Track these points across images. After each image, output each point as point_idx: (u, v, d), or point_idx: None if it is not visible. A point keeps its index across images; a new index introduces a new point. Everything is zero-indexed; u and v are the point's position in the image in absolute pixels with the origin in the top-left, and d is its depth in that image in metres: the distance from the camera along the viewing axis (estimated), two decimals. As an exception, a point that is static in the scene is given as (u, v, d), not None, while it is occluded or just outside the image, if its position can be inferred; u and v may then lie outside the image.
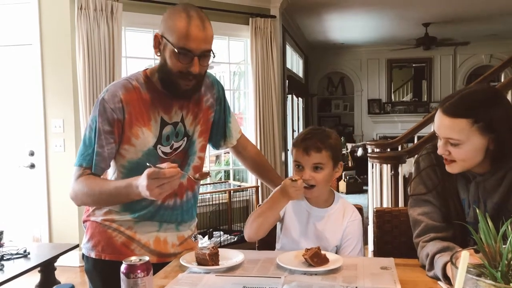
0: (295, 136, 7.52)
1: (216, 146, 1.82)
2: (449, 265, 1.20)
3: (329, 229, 1.64)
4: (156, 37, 1.47)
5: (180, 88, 1.46)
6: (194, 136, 1.61)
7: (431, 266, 1.28)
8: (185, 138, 1.58)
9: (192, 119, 1.59)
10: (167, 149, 1.53)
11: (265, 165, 1.95)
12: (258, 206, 1.68)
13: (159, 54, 1.48)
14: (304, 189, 1.58)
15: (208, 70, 1.56)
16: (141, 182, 1.26)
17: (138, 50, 4.67)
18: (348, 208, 1.69)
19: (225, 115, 1.75)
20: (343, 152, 8.59)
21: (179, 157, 1.57)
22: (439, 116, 1.32)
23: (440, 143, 1.35)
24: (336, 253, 1.64)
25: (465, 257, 0.74)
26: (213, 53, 1.46)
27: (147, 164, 1.27)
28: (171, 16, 1.43)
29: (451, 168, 1.36)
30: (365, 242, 1.86)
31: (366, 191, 6.91)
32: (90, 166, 1.45)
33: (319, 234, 1.63)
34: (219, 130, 1.75)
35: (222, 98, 1.73)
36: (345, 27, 7.84)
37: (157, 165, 1.26)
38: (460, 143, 1.28)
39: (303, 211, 1.67)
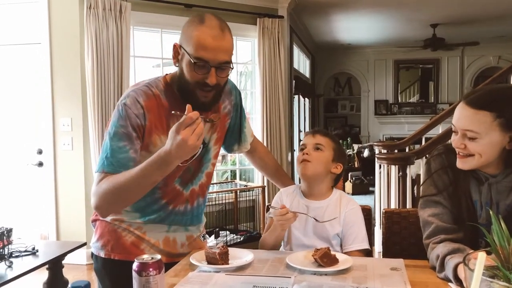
0: (302, 137, 7.46)
1: (229, 150, 1.83)
2: (460, 267, 1.19)
3: (327, 217, 1.67)
4: (174, 47, 1.43)
5: (199, 100, 1.41)
6: (210, 144, 1.59)
7: (442, 267, 1.28)
8: (201, 146, 1.55)
9: (209, 126, 1.56)
10: None
11: (274, 164, 1.96)
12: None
13: (177, 64, 1.44)
14: (300, 164, 1.69)
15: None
16: (173, 142, 1.22)
17: (147, 50, 4.69)
18: (345, 197, 1.76)
19: (241, 121, 1.75)
20: (350, 153, 8.58)
21: (193, 165, 1.56)
22: (461, 108, 1.31)
23: (456, 137, 1.33)
24: (341, 242, 1.69)
25: (482, 258, 0.74)
26: (231, 65, 1.41)
27: (172, 112, 1.27)
28: (190, 25, 1.39)
29: (464, 164, 1.34)
30: (372, 243, 1.87)
31: (372, 192, 6.90)
32: (112, 172, 1.38)
33: (318, 224, 1.67)
34: (233, 135, 1.75)
35: (239, 104, 1.72)
36: (352, 28, 7.82)
37: (176, 112, 1.25)
38: (477, 137, 1.27)
39: (302, 206, 1.71)
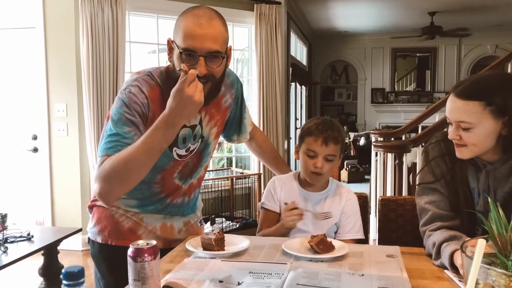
0: (301, 125, 7.42)
1: (228, 139, 1.81)
2: (456, 254, 1.20)
3: (327, 209, 1.69)
4: (168, 43, 1.40)
5: None
6: (210, 138, 1.57)
7: (438, 254, 1.28)
8: (200, 140, 1.53)
9: (208, 120, 1.53)
10: (182, 152, 1.49)
11: (271, 151, 1.96)
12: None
13: (171, 60, 1.40)
14: (312, 174, 1.65)
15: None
16: (179, 101, 1.21)
17: (142, 35, 4.65)
18: (343, 188, 1.77)
19: (241, 112, 1.72)
20: (346, 141, 8.60)
21: (192, 159, 1.55)
22: (451, 100, 1.32)
23: (451, 128, 1.34)
24: (336, 231, 1.71)
25: (481, 245, 0.73)
26: (223, 56, 1.35)
27: (177, 69, 1.26)
28: (180, 18, 1.35)
29: (461, 154, 1.34)
30: (368, 230, 1.88)
31: (367, 180, 6.92)
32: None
33: (318, 216, 1.68)
34: (233, 126, 1.74)
35: (240, 96, 1.69)
36: (349, 15, 7.78)
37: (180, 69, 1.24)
38: (471, 127, 1.27)
39: (299, 197, 1.71)
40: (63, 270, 0.88)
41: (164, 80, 1.43)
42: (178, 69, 1.30)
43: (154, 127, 1.26)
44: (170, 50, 1.40)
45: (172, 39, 1.38)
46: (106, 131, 1.35)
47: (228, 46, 1.39)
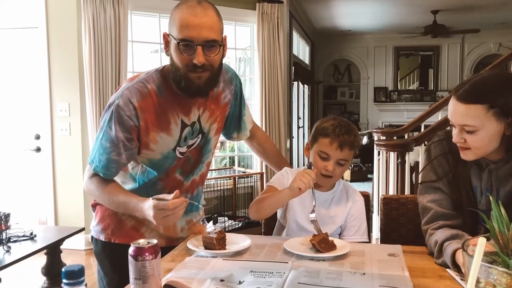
0: (303, 124, 7.28)
1: (228, 137, 1.81)
2: (458, 252, 1.19)
3: (333, 210, 1.68)
4: (164, 37, 1.41)
5: (193, 84, 1.36)
6: (210, 134, 1.57)
7: (440, 253, 1.28)
8: (200, 135, 1.53)
9: (208, 116, 1.53)
10: (183, 149, 1.50)
11: (273, 150, 1.96)
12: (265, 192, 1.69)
13: (168, 53, 1.40)
14: (321, 176, 1.62)
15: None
16: (147, 209, 1.27)
17: (144, 34, 4.65)
18: (351, 189, 1.74)
19: (240, 108, 1.72)
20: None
21: (193, 154, 1.55)
22: (453, 103, 1.30)
23: (455, 131, 1.33)
24: (341, 233, 1.69)
25: (482, 243, 0.73)
26: (219, 44, 1.36)
27: (151, 198, 1.27)
28: (174, 11, 1.37)
29: (466, 155, 1.33)
30: (370, 229, 1.87)
31: (370, 179, 6.91)
32: (96, 170, 1.46)
33: (323, 217, 1.66)
34: (233, 123, 1.73)
35: (239, 92, 1.69)
36: (352, 14, 7.76)
37: (161, 197, 1.27)
38: (475, 130, 1.26)
39: (307, 196, 1.67)
40: (63, 269, 0.88)
41: (161, 83, 1.44)
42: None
43: (132, 203, 1.36)
44: (167, 44, 1.41)
45: (168, 33, 1.38)
46: (98, 136, 1.43)
47: (223, 35, 1.40)
